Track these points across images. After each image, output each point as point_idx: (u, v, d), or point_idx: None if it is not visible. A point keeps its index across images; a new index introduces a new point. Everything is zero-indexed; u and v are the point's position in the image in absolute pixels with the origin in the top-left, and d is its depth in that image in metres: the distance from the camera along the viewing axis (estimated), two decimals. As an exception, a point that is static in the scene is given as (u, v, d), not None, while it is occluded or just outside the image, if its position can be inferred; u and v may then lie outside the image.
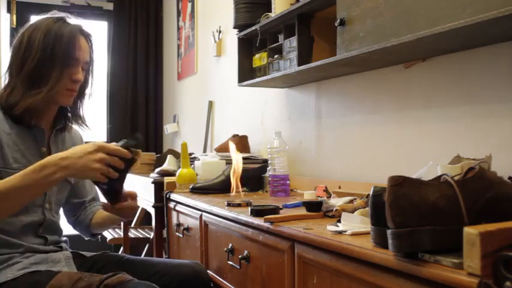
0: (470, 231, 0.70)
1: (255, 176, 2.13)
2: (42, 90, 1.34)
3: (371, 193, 0.90)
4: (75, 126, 1.56)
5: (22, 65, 1.35)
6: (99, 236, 1.71)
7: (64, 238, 1.57)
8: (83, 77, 1.42)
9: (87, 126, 1.56)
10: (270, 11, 2.03)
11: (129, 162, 1.28)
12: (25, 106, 1.34)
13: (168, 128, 4.23)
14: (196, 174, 2.29)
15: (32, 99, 1.34)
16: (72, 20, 1.43)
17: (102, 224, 1.60)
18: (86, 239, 1.70)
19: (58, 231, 1.53)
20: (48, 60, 1.34)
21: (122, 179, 1.30)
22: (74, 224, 1.65)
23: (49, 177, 1.20)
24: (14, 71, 1.37)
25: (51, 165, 1.20)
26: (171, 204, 2.19)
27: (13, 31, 4.23)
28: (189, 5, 3.89)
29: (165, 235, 2.33)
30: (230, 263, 1.53)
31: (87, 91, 1.50)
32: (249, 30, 2.16)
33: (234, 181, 1.74)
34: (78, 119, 1.53)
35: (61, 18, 1.40)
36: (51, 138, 1.48)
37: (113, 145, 1.25)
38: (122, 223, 3.47)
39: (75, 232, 1.71)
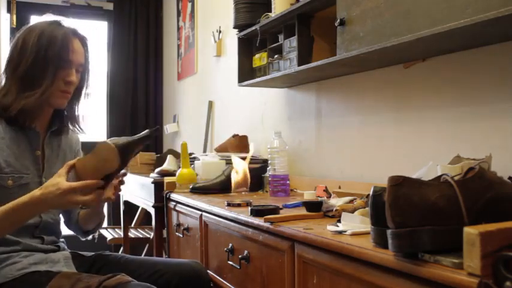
0: (470, 231, 0.70)
1: (255, 176, 2.13)
2: (36, 92, 1.35)
3: (371, 193, 0.90)
4: (71, 129, 1.56)
5: (16, 67, 1.36)
6: (96, 235, 1.70)
7: (62, 239, 1.56)
8: (77, 79, 1.43)
9: (81, 129, 1.55)
10: (270, 11, 2.03)
11: (107, 177, 1.29)
12: (19, 107, 1.35)
13: (168, 128, 4.23)
14: (196, 174, 2.29)
15: (26, 100, 1.35)
16: (67, 23, 1.43)
17: (87, 217, 1.57)
18: (83, 239, 1.69)
19: (56, 232, 1.53)
20: (42, 62, 1.35)
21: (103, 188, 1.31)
22: (68, 224, 1.64)
23: (29, 216, 1.28)
24: (8, 72, 1.39)
25: (30, 206, 1.23)
26: (171, 204, 2.19)
27: (13, 31, 4.24)
28: (189, 5, 3.88)
29: (165, 235, 2.33)
30: (230, 263, 1.53)
31: (83, 93, 1.50)
32: (249, 30, 2.16)
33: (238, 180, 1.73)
34: (74, 121, 1.53)
35: (55, 21, 1.42)
36: (45, 140, 1.48)
37: (79, 184, 1.23)
38: (122, 223, 3.47)
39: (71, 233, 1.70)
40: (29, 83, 1.36)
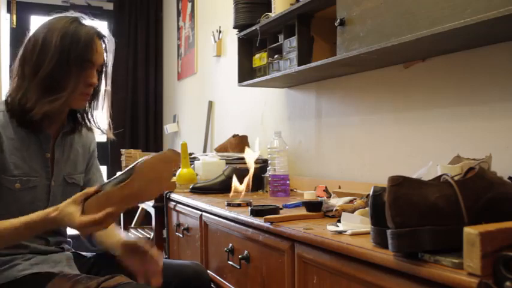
0: (470, 231, 0.70)
1: (255, 176, 2.13)
2: (61, 96, 1.29)
3: (371, 193, 0.90)
4: (87, 127, 1.51)
5: (37, 68, 1.29)
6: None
7: (68, 239, 1.56)
8: (97, 80, 1.39)
9: (99, 128, 1.50)
10: (270, 11, 2.03)
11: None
12: (43, 112, 1.29)
13: (168, 128, 4.23)
14: (196, 174, 2.29)
15: (51, 105, 1.29)
16: (87, 21, 1.38)
17: (104, 243, 1.50)
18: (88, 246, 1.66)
19: (61, 233, 1.51)
20: (65, 64, 1.28)
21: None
22: None
23: (39, 232, 1.26)
24: (26, 73, 1.31)
25: (41, 225, 1.21)
26: (171, 204, 2.19)
27: (13, 31, 4.24)
28: (189, 5, 3.89)
29: (165, 235, 2.33)
30: (230, 263, 1.53)
31: (101, 92, 1.45)
32: (249, 30, 2.16)
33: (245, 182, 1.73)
34: (89, 121, 1.49)
35: (76, 19, 1.36)
36: (56, 142, 1.43)
37: (88, 219, 1.16)
38: (122, 223, 3.47)
39: (77, 232, 1.69)
40: (52, 86, 1.29)
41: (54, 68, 1.28)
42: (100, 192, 1.19)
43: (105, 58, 1.40)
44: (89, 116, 1.49)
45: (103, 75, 1.44)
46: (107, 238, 1.47)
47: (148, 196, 1.28)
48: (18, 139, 1.34)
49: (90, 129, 1.52)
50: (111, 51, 1.41)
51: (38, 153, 1.39)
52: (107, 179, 1.38)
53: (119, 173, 1.27)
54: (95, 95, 1.45)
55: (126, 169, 1.21)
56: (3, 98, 1.38)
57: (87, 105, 1.47)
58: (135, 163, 1.21)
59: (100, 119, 1.50)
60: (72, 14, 1.39)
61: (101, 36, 1.38)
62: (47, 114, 1.31)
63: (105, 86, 1.45)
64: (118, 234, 1.47)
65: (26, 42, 1.34)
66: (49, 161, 1.42)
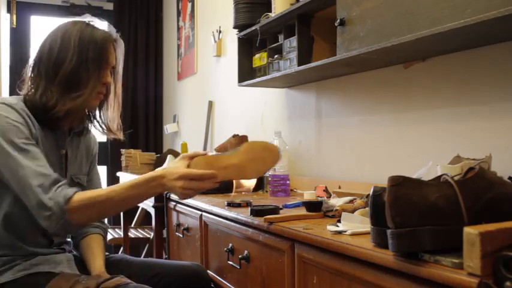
0: (470, 231, 0.70)
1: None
2: (83, 93, 1.35)
3: (371, 193, 0.91)
4: (94, 130, 1.56)
5: (57, 68, 1.34)
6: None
7: (68, 240, 1.56)
8: (111, 80, 1.44)
9: (110, 130, 1.53)
10: (270, 11, 2.03)
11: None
12: (66, 109, 1.34)
13: (168, 128, 4.23)
14: (196, 174, 2.29)
15: (73, 102, 1.34)
16: (99, 24, 1.44)
17: (83, 254, 1.52)
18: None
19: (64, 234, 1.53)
20: (85, 63, 1.34)
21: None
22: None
23: (152, 190, 1.28)
24: (43, 73, 1.35)
25: (154, 180, 1.26)
26: (171, 204, 2.19)
27: (13, 31, 4.24)
28: (189, 5, 3.89)
29: (165, 235, 2.33)
30: (230, 263, 1.53)
31: (111, 95, 1.49)
32: (249, 30, 2.16)
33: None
34: (98, 123, 1.53)
35: (90, 24, 1.42)
36: (67, 141, 1.47)
37: (193, 172, 1.26)
38: (122, 223, 3.47)
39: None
40: (73, 84, 1.34)
41: (75, 67, 1.34)
42: (209, 154, 1.31)
43: (116, 60, 1.45)
44: (99, 118, 1.53)
45: (113, 77, 1.48)
46: (91, 256, 1.49)
47: (249, 173, 1.36)
48: (40, 135, 1.36)
49: (101, 131, 1.55)
50: (121, 53, 1.47)
51: (55, 149, 1.42)
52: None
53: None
54: (105, 96, 1.48)
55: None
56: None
57: (101, 106, 1.51)
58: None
59: (110, 121, 1.54)
60: (85, 18, 1.45)
61: (113, 39, 1.43)
62: (70, 111, 1.36)
63: (115, 88, 1.49)
64: (101, 260, 1.48)
65: (41, 46, 1.39)
66: (64, 158, 1.45)
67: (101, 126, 1.53)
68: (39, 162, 1.26)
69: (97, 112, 1.51)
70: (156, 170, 1.29)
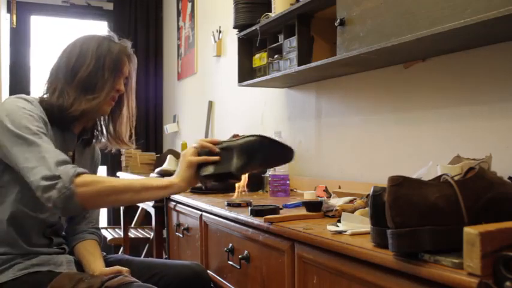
0: (470, 231, 0.70)
1: (255, 176, 2.13)
2: (99, 96, 1.42)
3: (371, 193, 0.90)
4: (104, 140, 1.60)
5: (75, 73, 1.41)
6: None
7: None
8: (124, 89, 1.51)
9: (120, 139, 1.57)
10: (270, 11, 2.03)
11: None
12: (81, 109, 1.40)
13: (168, 128, 4.23)
14: (196, 174, 2.29)
15: (89, 103, 1.40)
16: (117, 39, 1.52)
17: (81, 256, 1.52)
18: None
19: (62, 234, 1.53)
20: (101, 70, 1.42)
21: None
22: (67, 234, 1.59)
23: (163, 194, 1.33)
24: (61, 77, 1.42)
25: (171, 188, 1.29)
26: (171, 204, 2.19)
27: (13, 31, 4.24)
28: (189, 5, 3.89)
29: (165, 235, 2.33)
30: (230, 263, 1.53)
31: (124, 110, 1.56)
32: (249, 30, 2.16)
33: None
34: (108, 133, 1.57)
35: (108, 37, 1.50)
36: (76, 144, 1.51)
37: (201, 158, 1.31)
38: (122, 223, 3.47)
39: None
40: (89, 87, 1.41)
41: (92, 72, 1.42)
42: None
43: (129, 73, 1.53)
44: (109, 126, 1.58)
45: (126, 89, 1.55)
46: (90, 257, 1.49)
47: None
48: (50, 135, 1.38)
49: (109, 141, 1.59)
50: (134, 67, 1.55)
51: (63, 150, 1.41)
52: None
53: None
54: (117, 105, 1.54)
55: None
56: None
57: (111, 118, 1.57)
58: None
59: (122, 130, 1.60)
60: (104, 33, 1.53)
61: (128, 53, 1.52)
62: (84, 112, 1.41)
63: (128, 100, 1.57)
64: (101, 261, 1.48)
65: (60, 55, 1.48)
66: (71, 160, 1.44)
67: (111, 136, 1.57)
68: (53, 147, 1.28)
69: (110, 127, 1.57)
70: (170, 179, 1.30)
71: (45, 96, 1.43)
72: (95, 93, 1.42)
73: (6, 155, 1.28)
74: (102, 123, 1.58)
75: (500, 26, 1.11)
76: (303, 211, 1.41)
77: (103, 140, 1.60)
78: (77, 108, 1.39)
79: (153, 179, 1.37)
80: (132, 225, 4.00)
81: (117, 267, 1.41)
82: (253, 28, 2.11)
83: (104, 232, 3.79)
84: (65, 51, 1.47)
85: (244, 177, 1.75)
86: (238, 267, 1.47)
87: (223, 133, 3.16)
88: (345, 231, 1.07)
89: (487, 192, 0.82)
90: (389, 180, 0.82)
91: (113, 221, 4.41)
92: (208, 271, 1.64)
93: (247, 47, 2.30)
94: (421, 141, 1.59)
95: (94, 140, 1.59)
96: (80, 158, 1.54)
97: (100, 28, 4.70)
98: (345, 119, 1.97)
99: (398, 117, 1.70)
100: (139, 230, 3.87)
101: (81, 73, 1.41)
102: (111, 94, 1.45)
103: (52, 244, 1.45)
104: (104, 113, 1.49)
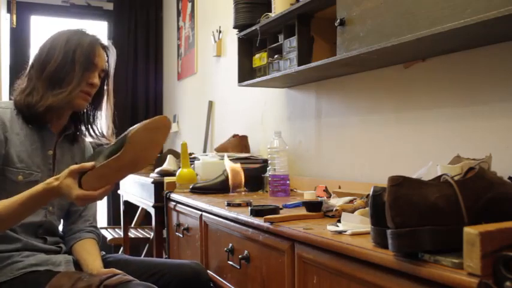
0: (470, 231, 0.70)
1: (255, 176, 2.13)
2: (65, 90, 1.39)
3: (371, 193, 0.90)
4: (88, 137, 1.59)
5: (43, 68, 1.41)
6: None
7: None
8: (98, 82, 1.48)
9: (102, 134, 1.57)
10: (270, 11, 2.03)
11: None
12: (47, 105, 1.38)
13: (168, 128, 4.23)
14: (196, 174, 2.29)
15: (55, 98, 1.39)
16: (91, 32, 1.50)
17: (79, 256, 1.51)
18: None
19: (58, 234, 1.53)
20: (70, 63, 1.41)
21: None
22: (64, 234, 1.60)
23: (46, 201, 1.32)
24: (33, 73, 1.42)
25: (47, 193, 1.26)
26: (171, 204, 2.19)
27: (13, 31, 4.23)
28: (189, 5, 3.89)
29: (165, 235, 2.33)
30: (230, 263, 1.53)
31: (104, 101, 1.55)
32: (249, 30, 2.16)
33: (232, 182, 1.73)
34: (90, 128, 1.57)
35: (80, 30, 1.48)
36: (58, 142, 1.50)
37: (85, 194, 1.24)
38: (122, 223, 3.47)
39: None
40: (57, 81, 1.40)
41: (59, 66, 1.40)
42: (96, 167, 1.23)
43: (107, 65, 1.51)
44: (91, 121, 1.57)
45: (105, 82, 1.54)
46: (89, 256, 1.48)
47: (144, 163, 1.34)
48: (24, 135, 1.40)
49: (85, 135, 1.58)
50: (112, 59, 1.53)
51: (41, 149, 1.45)
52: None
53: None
54: (96, 99, 1.53)
55: (118, 138, 1.25)
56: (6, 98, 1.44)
57: (89, 108, 1.55)
58: (126, 132, 1.24)
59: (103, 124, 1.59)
60: (76, 28, 1.51)
61: (103, 45, 1.49)
62: (50, 107, 1.39)
63: (107, 92, 1.55)
64: (99, 261, 1.47)
65: (37, 50, 1.46)
66: (51, 158, 1.47)
67: (94, 132, 1.56)
68: None
69: (91, 121, 1.56)
70: (49, 182, 1.25)
71: (18, 94, 1.43)
72: (62, 88, 1.39)
73: None
74: (83, 118, 1.56)
75: (500, 26, 1.11)
76: (303, 211, 1.41)
77: (87, 134, 1.58)
78: (43, 104, 1.38)
79: (34, 192, 1.27)
80: (132, 225, 4.00)
81: (112, 270, 1.38)
82: (253, 28, 2.11)
83: (104, 232, 3.79)
84: (39, 48, 1.46)
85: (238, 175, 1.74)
86: (238, 267, 1.47)
87: (223, 133, 3.16)
88: (345, 231, 1.07)
89: (487, 192, 0.82)
90: (389, 180, 0.82)
91: (113, 221, 4.41)
92: (208, 271, 1.64)
93: (247, 47, 2.30)
94: (421, 141, 1.59)
95: (81, 136, 1.57)
96: (63, 157, 1.52)
97: (100, 28, 4.70)
98: (345, 119, 1.97)
99: (398, 117, 1.70)
100: (139, 230, 3.87)
101: (48, 68, 1.40)
102: (80, 88, 1.42)
103: (47, 243, 1.45)
104: (78, 107, 1.46)
